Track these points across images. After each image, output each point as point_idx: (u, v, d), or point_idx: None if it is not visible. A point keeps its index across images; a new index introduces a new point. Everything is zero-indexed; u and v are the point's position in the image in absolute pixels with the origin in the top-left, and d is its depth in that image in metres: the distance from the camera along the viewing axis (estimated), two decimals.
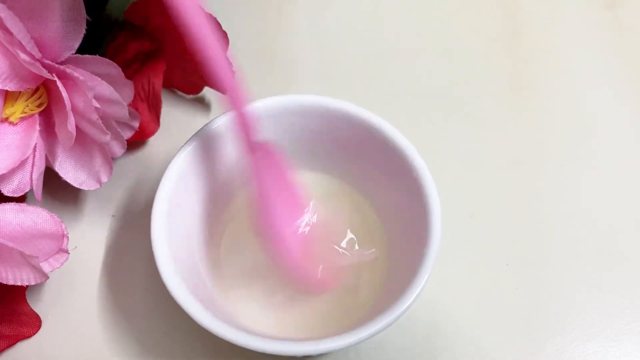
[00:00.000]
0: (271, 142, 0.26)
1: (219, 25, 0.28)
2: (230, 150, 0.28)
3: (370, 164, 0.28)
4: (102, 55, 0.29)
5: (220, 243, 0.29)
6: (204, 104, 0.35)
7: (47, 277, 0.25)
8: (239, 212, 0.30)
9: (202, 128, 0.27)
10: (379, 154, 0.27)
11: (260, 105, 0.28)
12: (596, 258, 0.31)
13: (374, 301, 0.26)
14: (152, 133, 0.32)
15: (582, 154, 0.35)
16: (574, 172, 0.34)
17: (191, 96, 0.35)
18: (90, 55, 0.25)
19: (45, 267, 0.25)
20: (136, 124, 0.29)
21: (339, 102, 0.28)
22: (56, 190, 0.31)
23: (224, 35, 0.29)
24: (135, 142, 0.33)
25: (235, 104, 0.25)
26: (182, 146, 0.27)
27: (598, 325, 0.29)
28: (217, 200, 0.29)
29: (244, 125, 0.25)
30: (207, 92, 0.35)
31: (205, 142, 0.27)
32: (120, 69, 0.26)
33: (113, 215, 0.31)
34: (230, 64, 0.24)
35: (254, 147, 0.26)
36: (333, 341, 0.22)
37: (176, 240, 0.25)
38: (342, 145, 0.29)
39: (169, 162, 0.26)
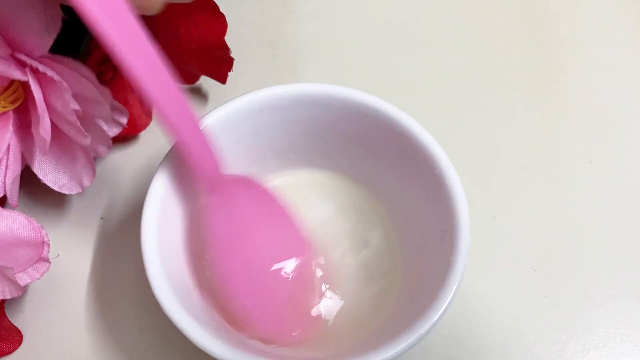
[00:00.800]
0: (246, 176, 0.23)
1: (216, 6, 0.26)
2: (228, 146, 0.26)
3: (387, 161, 0.26)
4: (84, 49, 0.27)
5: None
6: (200, 95, 0.33)
7: (24, 291, 0.23)
8: None
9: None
10: (397, 150, 0.25)
11: (262, 96, 0.25)
12: (632, 264, 0.29)
13: (392, 316, 0.24)
14: (144, 127, 0.30)
15: (612, 149, 0.32)
16: (603, 169, 0.32)
17: (187, 87, 0.32)
18: (64, 57, 0.23)
19: (24, 278, 0.23)
20: (124, 120, 0.27)
21: (351, 91, 0.25)
22: (38, 191, 0.28)
23: (221, 20, 0.27)
24: (126, 137, 0.31)
25: (184, 129, 0.20)
26: (174, 143, 0.24)
27: (634, 338, 0.27)
28: None
29: (203, 156, 0.21)
30: (203, 81, 0.32)
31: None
32: (93, 74, 0.23)
33: (102, 218, 0.29)
34: (169, 78, 0.20)
35: (222, 183, 0.22)
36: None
37: (167, 250, 0.23)
38: (355, 139, 0.26)
39: (162, 158, 0.24)
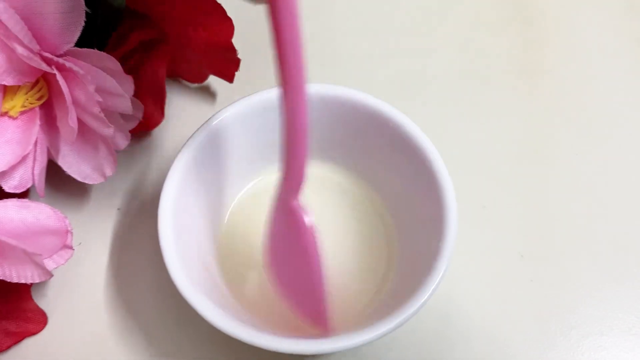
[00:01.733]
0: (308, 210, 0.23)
1: (223, 11, 0.28)
2: (239, 142, 0.28)
3: (382, 154, 0.28)
4: (104, 45, 0.29)
5: (229, 235, 0.29)
6: (209, 93, 0.34)
7: (51, 275, 0.25)
8: (247, 203, 0.29)
9: (209, 120, 0.26)
10: (390, 144, 0.27)
11: (268, 97, 0.27)
12: (612, 249, 0.30)
13: (387, 298, 0.26)
14: (157, 124, 0.32)
15: (597, 141, 0.34)
16: (589, 161, 0.33)
17: (196, 85, 0.34)
18: (89, 49, 0.24)
19: (50, 264, 0.25)
20: (140, 115, 0.29)
21: (349, 91, 0.27)
22: (60, 184, 0.30)
23: (229, 24, 0.28)
24: (140, 133, 0.32)
25: (299, 157, 0.21)
26: (188, 139, 0.26)
27: (614, 319, 0.29)
28: (225, 193, 0.28)
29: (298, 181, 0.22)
30: (212, 80, 0.34)
31: (213, 134, 0.26)
32: (118, 63, 0.25)
33: (118, 209, 0.31)
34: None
35: (292, 209, 0.22)
36: (345, 339, 0.22)
37: (183, 235, 0.25)
38: (352, 135, 0.28)
39: (175, 152, 0.26)
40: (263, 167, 0.29)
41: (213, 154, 0.27)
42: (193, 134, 0.26)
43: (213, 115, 0.26)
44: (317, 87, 0.27)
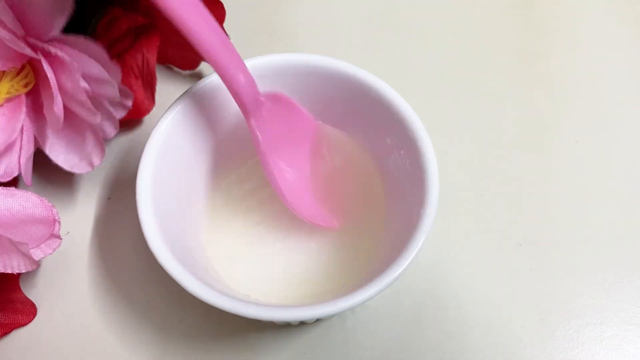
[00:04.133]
0: (275, 92, 0.25)
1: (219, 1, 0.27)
2: (223, 113, 0.27)
3: (373, 121, 0.27)
4: (92, 31, 0.28)
5: (215, 208, 0.28)
6: (200, 79, 0.33)
7: (38, 265, 0.24)
8: (235, 176, 0.29)
9: (186, 91, 0.26)
10: (379, 113, 0.27)
11: (266, 62, 0.27)
12: (612, 239, 0.30)
13: (371, 265, 0.25)
14: (148, 111, 0.31)
15: (596, 129, 0.33)
16: (588, 149, 0.32)
17: (187, 72, 0.34)
18: (75, 36, 0.24)
19: (37, 253, 0.24)
20: (129, 103, 0.28)
21: (343, 64, 0.27)
22: (49, 172, 0.30)
23: (219, 7, 0.28)
24: (131, 121, 0.32)
25: (230, 59, 0.23)
26: (167, 110, 0.25)
27: (613, 308, 0.28)
28: (211, 166, 0.28)
29: (247, 82, 0.24)
30: (204, 67, 0.33)
31: (193, 104, 0.26)
32: (104, 51, 0.24)
33: (109, 198, 0.30)
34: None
35: (258, 103, 0.25)
36: (326, 306, 0.21)
37: (166, 212, 0.24)
38: (345, 104, 0.28)
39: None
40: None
41: (195, 126, 0.27)
42: (171, 104, 0.25)
43: (192, 86, 0.26)
44: (321, 59, 0.27)
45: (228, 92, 0.24)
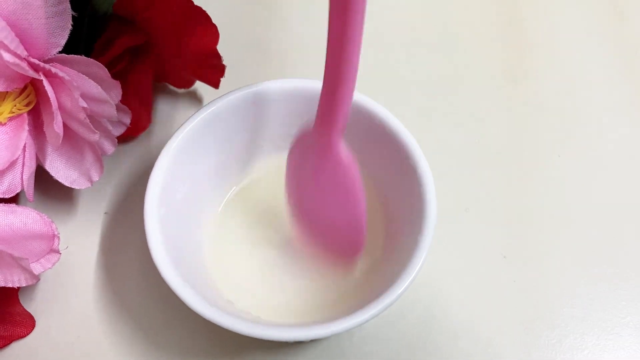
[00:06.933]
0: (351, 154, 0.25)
1: (208, 18, 0.28)
2: (226, 135, 0.28)
3: (371, 147, 0.28)
4: (90, 51, 0.29)
5: (220, 224, 0.29)
6: (196, 98, 0.34)
7: (38, 279, 0.25)
8: (240, 195, 0.30)
9: (198, 111, 0.27)
10: (377, 140, 0.27)
11: (257, 90, 0.28)
12: (593, 250, 0.31)
13: (370, 288, 0.26)
14: (144, 129, 0.32)
15: (578, 144, 0.34)
16: (570, 163, 0.33)
17: (183, 90, 0.34)
18: (75, 55, 0.25)
19: (37, 268, 0.25)
20: (127, 120, 0.29)
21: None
22: (48, 189, 0.30)
23: (213, 31, 0.29)
24: (127, 138, 0.32)
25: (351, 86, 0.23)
26: (180, 127, 0.27)
27: (595, 318, 0.29)
28: (216, 185, 0.29)
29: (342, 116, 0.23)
30: (199, 86, 0.34)
31: (199, 128, 0.27)
32: (106, 70, 0.25)
33: (106, 213, 0.31)
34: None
35: (339, 134, 0.24)
36: (323, 328, 0.22)
37: (171, 230, 0.25)
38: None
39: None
40: (247, 157, 0.30)
41: (201, 148, 0.28)
42: (183, 123, 0.27)
43: (198, 111, 0.27)
44: (310, 83, 0.28)
45: (235, 113, 0.26)
